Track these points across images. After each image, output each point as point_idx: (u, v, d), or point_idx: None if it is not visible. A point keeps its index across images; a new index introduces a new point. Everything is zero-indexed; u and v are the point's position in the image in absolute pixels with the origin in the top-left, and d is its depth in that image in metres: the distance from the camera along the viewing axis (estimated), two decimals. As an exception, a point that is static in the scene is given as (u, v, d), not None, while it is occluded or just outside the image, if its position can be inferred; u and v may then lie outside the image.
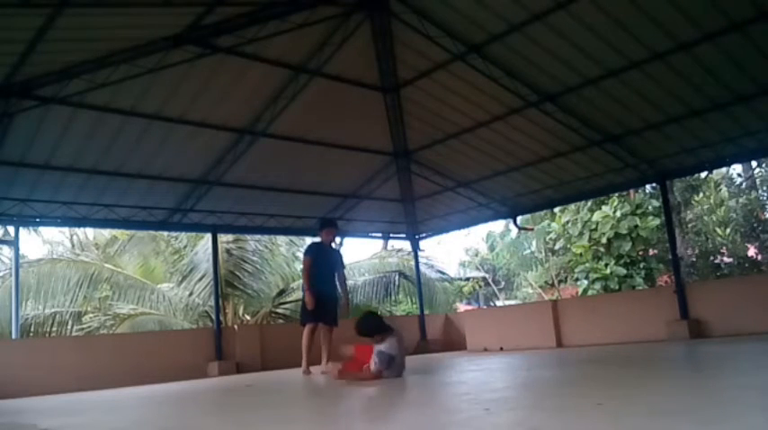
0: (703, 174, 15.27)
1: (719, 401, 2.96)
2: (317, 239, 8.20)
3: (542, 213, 16.60)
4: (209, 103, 8.66)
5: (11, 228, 12.29)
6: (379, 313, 7.32)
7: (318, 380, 6.72)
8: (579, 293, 16.38)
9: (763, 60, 7.49)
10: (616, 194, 14.22)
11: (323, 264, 7.66)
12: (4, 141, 7.89)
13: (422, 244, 14.38)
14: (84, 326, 14.37)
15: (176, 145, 9.19)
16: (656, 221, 14.25)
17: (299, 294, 15.83)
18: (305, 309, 7.53)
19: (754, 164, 16.70)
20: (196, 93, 8.36)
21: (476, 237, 43.20)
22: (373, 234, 14.49)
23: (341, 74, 8.96)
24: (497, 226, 22.98)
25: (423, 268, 15.33)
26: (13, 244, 10.96)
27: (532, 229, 17.90)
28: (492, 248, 23.59)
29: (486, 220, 13.62)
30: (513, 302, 21.54)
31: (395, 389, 5.28)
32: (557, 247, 17.16)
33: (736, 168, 17.38)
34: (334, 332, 7.61)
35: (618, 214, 14.65)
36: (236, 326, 11.91)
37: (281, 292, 16.04)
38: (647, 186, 14.79)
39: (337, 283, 7.85)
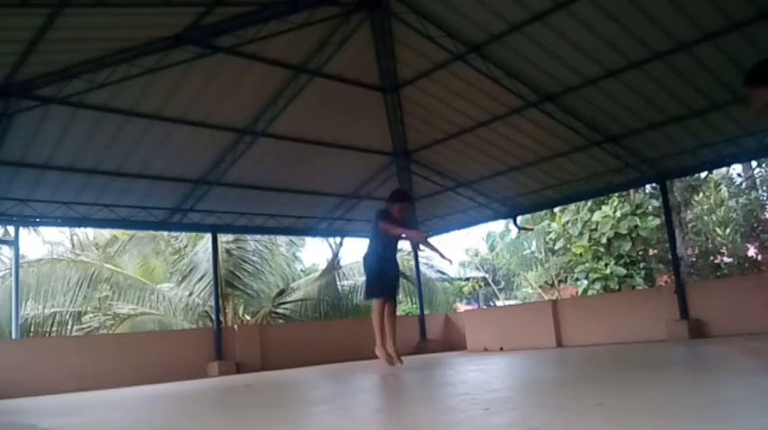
0: (703, 174, 15.25)
1: (720, 401, 2.96)
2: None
3: (542, 213, 16.59)
4: (209, 103, 8.66)
5: (11, 228, 12.27)
6: None
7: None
8: (579, 293, 16.37)
9: (763, 60, 7.49)
10: (616, 194, 14.22)
11: (390, 239, 6.99)
12: (4, 141, 7.89)
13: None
14: (84, 326, 14.38)
15: (176, 145, 9.19)
16: (656, 221, 14.24)
17: (298, 294, 15.96)
18: (371, 283, 7.02)
19: (754, 164, 16.67)
20: (196, 93, 8.36)
21: (476, 237, 43.23)
22: (373, 234, 14.48)
23: (341, 74, 8.96)
24: (497, 226, 22.99)
25: (423, 268, 15.33)
26: (13, 244, 10.95)
27: (532, 229, 17.90)
28: (492, 248, 23.59)
29: (486, 220, 13.62)
30: (513, 302, 21.53)
31: (394, 388, 5.28)
32: (557, 247, 17.13)
33: (736, 168, 17.35)
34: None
35: (618, 214, 14.65)
36: (236, 326, 11.91)
37: (281, 292, 16.05)
38: (647, 186, 14.77)
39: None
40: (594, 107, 8.92)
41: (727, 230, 15.40)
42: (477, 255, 25.27)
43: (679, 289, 9.53)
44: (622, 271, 14.79)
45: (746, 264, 15.47)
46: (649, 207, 14.90)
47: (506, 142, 10.15)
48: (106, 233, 17.92)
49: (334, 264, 16.98)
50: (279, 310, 15.71)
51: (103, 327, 14.15)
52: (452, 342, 12.96)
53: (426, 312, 14.46)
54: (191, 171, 9.93)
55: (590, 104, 8.87)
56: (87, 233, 19.42)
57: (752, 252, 15.98)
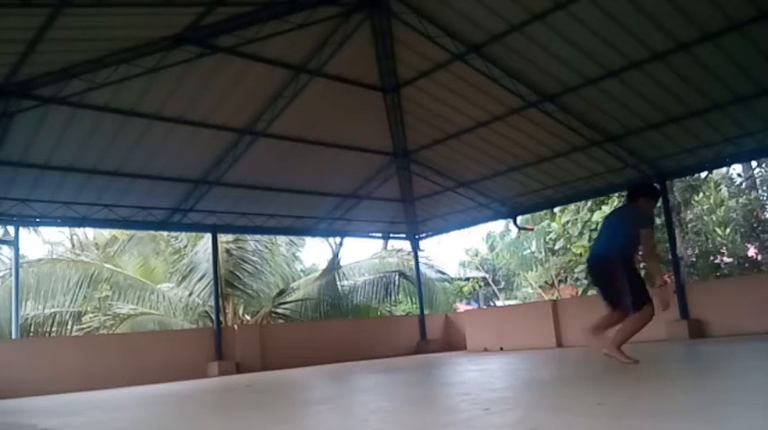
0: (703, 174, 15.24)
1: (720, 401, 2.96)
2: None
3: (542, 213, 16.59)
4: (209, 103, 8.67)
5: (11, 228, 12.29)
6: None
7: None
8: (579, 293, 16.35)
9: (763, 60, 7.49)
10: (616, 194, 14.21)
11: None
12: (4, 141, 7.90)
13: (422, 244, 14.39)
14: (84, 326, 14.35)
15: (176, 145, 9.19)
16: (656, 221, 14.22)
17: (298, 294, 15.96)
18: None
19: (754, 164, 16.65)
20: (196, 93, 8.36)
21: (476, 237, 43.22)
22: (373, 234, 14.50)
23: (341, 74, 8.96)
24: (497, 226, 22.96)
25: (423, 268, 15.32)
26: (13, 244, 10.96)
27: (532, 229, 17.89)
28: (492, 248, 23.56)
29: (486, 220, 13.63)
30: (513, 302, 21.52)
31: (394, 388, 5.28)
32: (557, 247, 17.13)
33: (736, 168, 17.32)
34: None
35: (618, 214, 14.62)
36: (236, 326, 11.90)
37: (281, 292, 16.04)
38: (648, 186, 14.75)
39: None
40: (594, 107, 8.92)
41: (727, 230, 15.38)
42: (477, 255, 25.25)
43: (679, 289, 9.53)
44: (622, 271, 14.76)
45: (746, 264, 15.46)
46: (649, 207, 14.87)
47: (506, 142, 10.15)
48: (106, 233, 17.89)
49: (334, 264, 16.97)
50: (279, 310, 15.69)
51: (103, 327, 14.12)
52: (452, 342, 12.96)
53: (426, 312, 14.46)
54: (191, 171, 9.93)
55: (590, 104, 8.87)
56: (87, 233, 19.42)
57: (752, 252, 15.96)
